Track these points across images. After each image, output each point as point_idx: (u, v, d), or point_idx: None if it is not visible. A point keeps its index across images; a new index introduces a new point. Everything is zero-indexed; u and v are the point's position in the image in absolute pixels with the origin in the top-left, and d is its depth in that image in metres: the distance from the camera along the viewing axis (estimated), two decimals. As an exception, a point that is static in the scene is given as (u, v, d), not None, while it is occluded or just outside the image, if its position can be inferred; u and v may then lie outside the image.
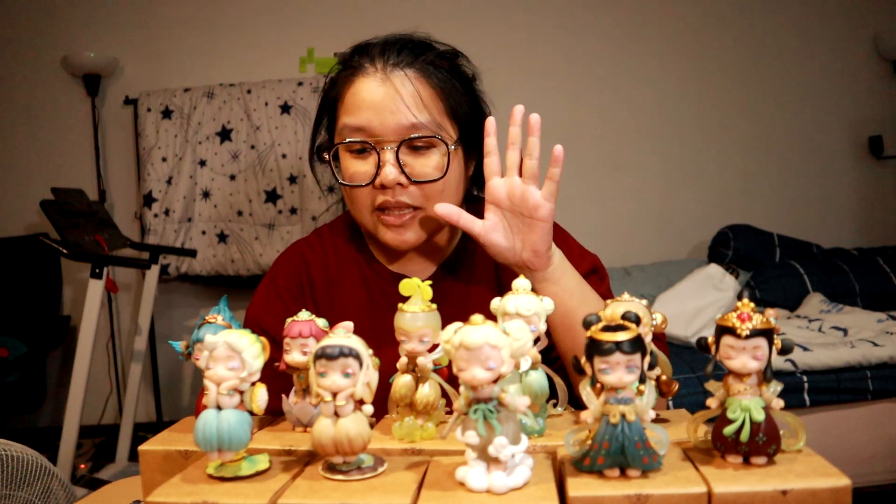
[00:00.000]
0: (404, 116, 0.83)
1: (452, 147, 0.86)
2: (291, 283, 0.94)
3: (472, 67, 0.94)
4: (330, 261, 0.96)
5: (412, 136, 0.83)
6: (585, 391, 0.49)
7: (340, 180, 0.88)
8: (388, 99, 0.83)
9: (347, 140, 0.85)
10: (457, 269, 0.95)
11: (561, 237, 0.97)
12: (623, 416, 0.47)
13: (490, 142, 0.84)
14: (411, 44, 0.88)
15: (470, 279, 0.94)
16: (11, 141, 3.14)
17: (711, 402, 0.51)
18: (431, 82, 0.86)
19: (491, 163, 0.83)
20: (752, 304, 0.49)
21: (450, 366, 0.49)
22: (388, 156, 0.83)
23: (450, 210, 0.83)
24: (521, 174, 0.82)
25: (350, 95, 0.86)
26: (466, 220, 0.84)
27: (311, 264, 0.96)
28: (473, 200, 1.01)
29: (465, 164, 0.92)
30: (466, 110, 0.90)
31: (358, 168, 0.86)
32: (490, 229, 0.83)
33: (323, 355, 0.49)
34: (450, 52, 0.91)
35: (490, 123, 0.84)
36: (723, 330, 0.49)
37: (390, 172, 0.83)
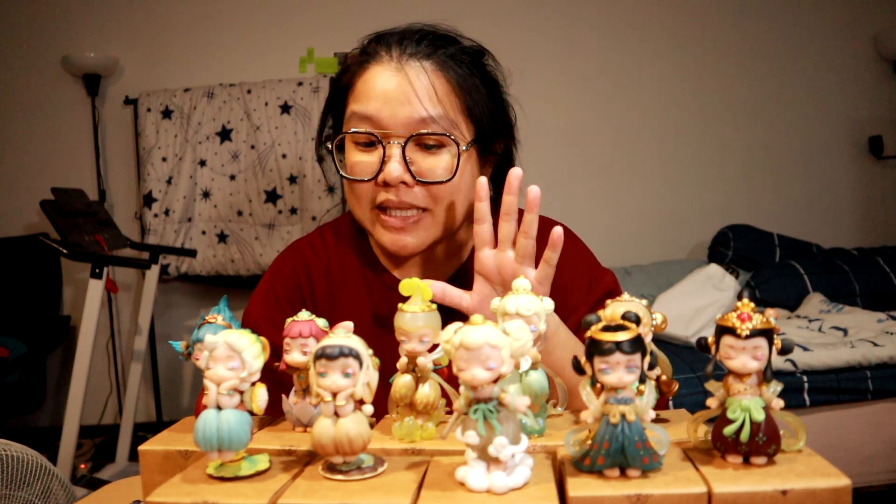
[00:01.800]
0: (415, 110, 0.78)
1: (465, 148, 0.80)
2: (291, 288, 0.90)
3: (500, 69, 0.89)
4: (332, 265, 0.92)
5: (421, 131, 0.78)
6: (585, 391, 0.49)
7: (342, 173, 0.82)
8: (401, 90, 0.78)
9: (353, 130, 0.80)
10: (467, 282, 0.89)
11: (579, 253, 0.92)
12: (623, 416, 0.47)
13: (481, 207, 0.77)
14: (433, 35, 0.83)
15: None
16: (11, 141, 3.14)
17: (711, 402, 0.51)
18: (449, 77, 0.80)
19: (482, 231, 0.77)
20: (752, 304, 0.49)
21: (450, 366, 0.49)
22: (394, 151, 0.78)
23: (433, 288, 0.75)
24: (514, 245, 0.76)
25: (361, 83, 0.81)
26: (452, 296, 0.78)
27: (313, 269, 0.91)
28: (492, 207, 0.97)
29: (481, 166, 0.87)
30: (486, 110, 0.84)
31: (362, 161, 0.80)
32: (478, 305, 0.78)
33: (323, 355, 0.49)
34: (474, 48, 0.86)
35: (482, 187, 0.76)
36: (723, 330, 0.49)
37: (395, 169, 0.77)
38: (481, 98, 0.83)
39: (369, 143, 0.81)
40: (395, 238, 0.81)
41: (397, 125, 0.78)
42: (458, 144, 0.79)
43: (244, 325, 0.89)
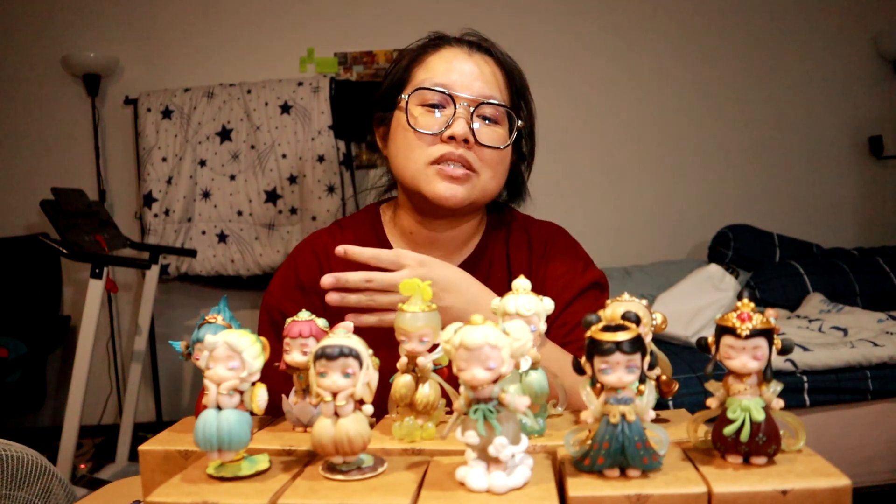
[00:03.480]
0: (485, 88, 0.89)
1: (520, 123, 0.91)
2: (311, 269, 0.95)
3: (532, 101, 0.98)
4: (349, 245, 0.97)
5: (490, 100, 0.88)
6: (585, 391, 0.49)
7: (413, 125, 0.89)
8: (472, 69, 0.89)
9: (429, 87, 0.88)
10: (474, 270, 0.95)
11: (571, 249, 0.99)
12: (623, 416, 0.47)
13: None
14: (487, 41, 0.95)
15: (486, 281, 0.93)
16: (11, 141, 3.14)
17: (711, 402, 0.51)
18: (506, 74, 0.93)
19: None
20: (752, 304, 0.49)
21: (450, 366, 0.49)
22: (462, 111, 0.87)
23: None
24: None
25: (435, 58, 0.91)
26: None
27: (331, 249, 0.95)
28: (497, 209, 1.02)
29: (511, 162, 0.95)
30: (525, 112, 0.95)
31: (428, 119, 0.88)
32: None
33: (323, 355, 0.49)
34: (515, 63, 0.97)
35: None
36: (723, 330, 0.49)
37: (462, 125, 0.86)
38: (523, 99, 0.96)
39: (435, 105, 0.89)
40: (449, 186, 0.87)
41: (467, 95, 0.88)
42: (514, 118, 0.91)
43: (264, 308, 0.93)
